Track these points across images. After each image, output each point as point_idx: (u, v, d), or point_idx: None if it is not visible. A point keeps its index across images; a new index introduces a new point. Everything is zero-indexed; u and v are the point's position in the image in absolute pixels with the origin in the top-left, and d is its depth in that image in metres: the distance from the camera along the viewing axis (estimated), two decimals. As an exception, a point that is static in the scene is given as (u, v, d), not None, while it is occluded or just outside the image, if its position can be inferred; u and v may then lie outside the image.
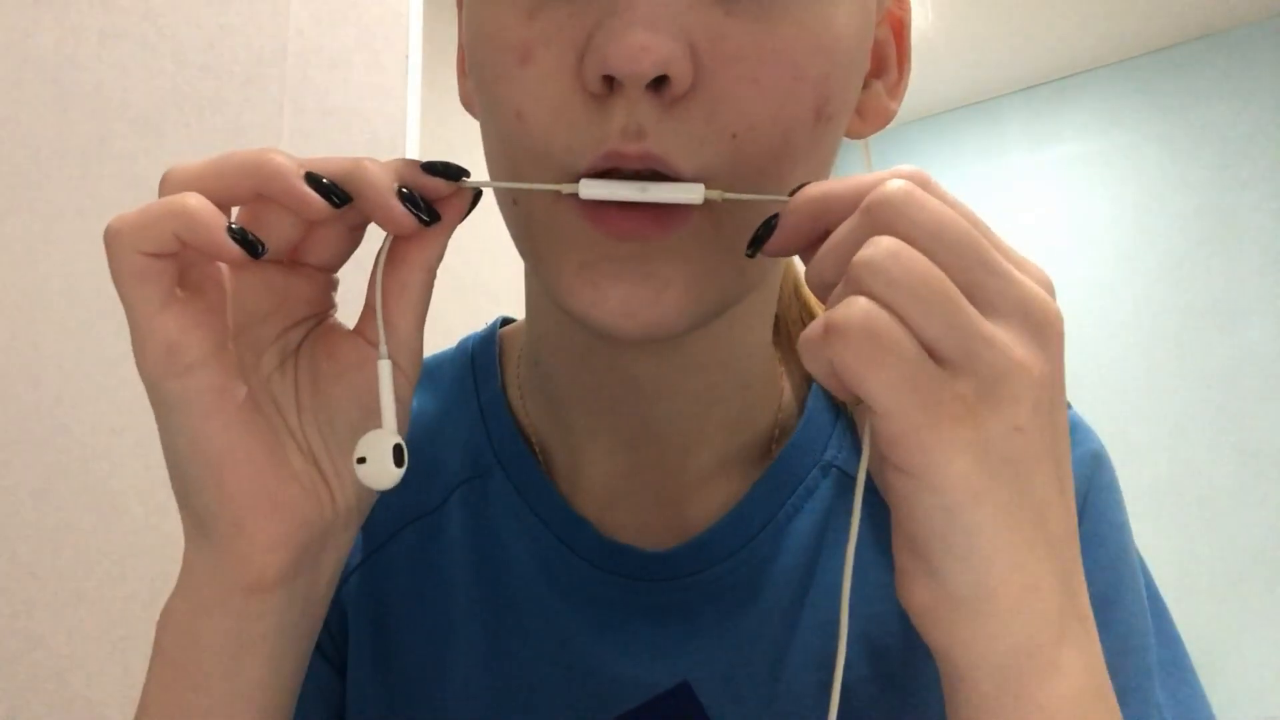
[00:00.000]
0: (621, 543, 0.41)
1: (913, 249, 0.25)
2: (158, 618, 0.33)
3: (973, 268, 0.26)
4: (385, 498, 0.44)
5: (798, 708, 0.39)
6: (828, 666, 0.39)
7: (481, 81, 0.34)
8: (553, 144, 0.31)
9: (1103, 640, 0.38)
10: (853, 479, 0.40)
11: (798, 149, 0.32)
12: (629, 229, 0.31)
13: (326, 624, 0.43)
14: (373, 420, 0.33)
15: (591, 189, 0.30)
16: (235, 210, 0.31)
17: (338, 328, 0.35)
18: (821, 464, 0.42)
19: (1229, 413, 2.77)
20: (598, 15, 0.30)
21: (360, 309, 0.34)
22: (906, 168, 0.28)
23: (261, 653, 0.32)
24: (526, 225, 0.35)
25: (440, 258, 0.33)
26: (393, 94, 1.56)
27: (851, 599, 0.40)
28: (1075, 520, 0.28)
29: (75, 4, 1.22)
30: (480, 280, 2.37)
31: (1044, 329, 0.27)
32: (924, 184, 0.27)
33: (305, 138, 1.47)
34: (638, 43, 0.28)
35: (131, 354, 0.29)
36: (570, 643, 0.40)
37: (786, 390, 0.44)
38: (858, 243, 0.27)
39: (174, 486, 0.31)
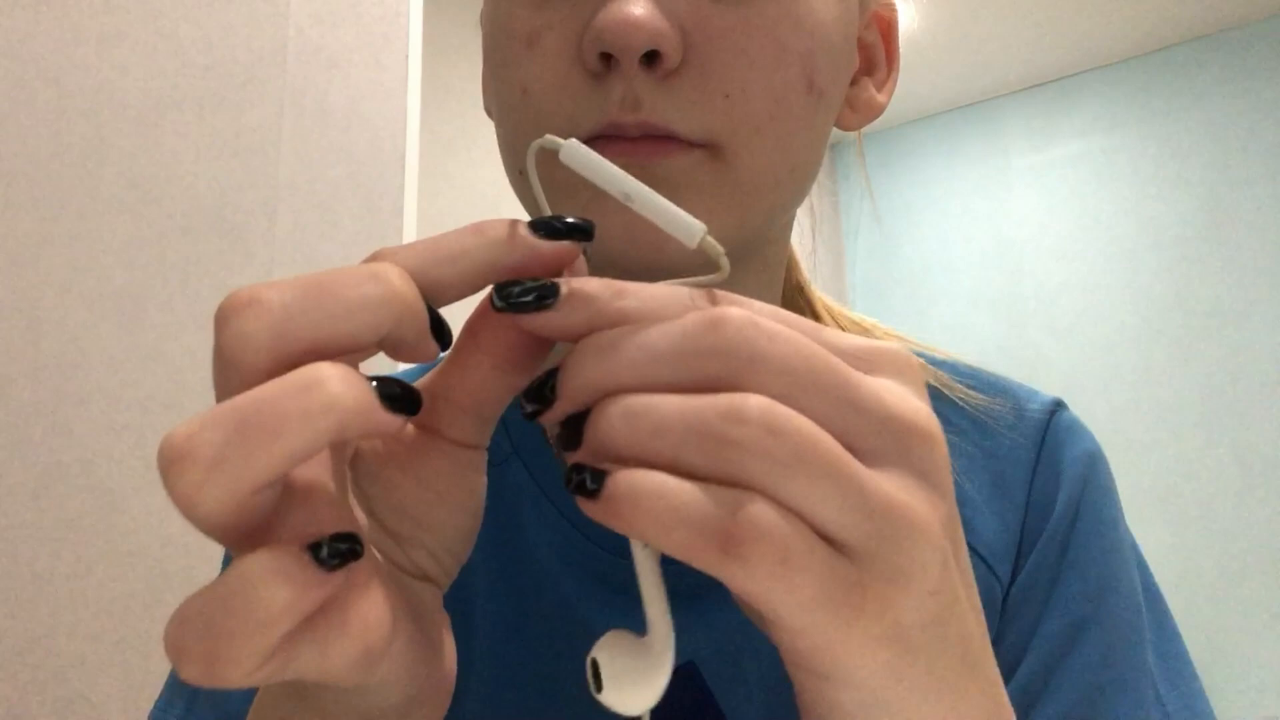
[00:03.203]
0: None
1: (785, 408, 0.20)
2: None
3: (841, 409, 0.21)
4: None
5: None
6: None
7: (494, 68, 0.37)
8: (554, 116, 0.34)
9: (1096, 634, 0.39)
10: None
11: (792, 114, 0.34)
12: (629, 150, 0.32)
13: None
14: (465, 515, 0.27)
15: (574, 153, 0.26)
16: None
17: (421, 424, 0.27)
18: None
19: (1229, 413, 2.77)
20: (597, 4, 0.32)
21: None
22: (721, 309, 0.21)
23: None
24: (532, 190, 0.36)
25: None
26: (393, 94, 1.57)
27: None
28: (984, 621, 0.26)
29: (75, 4, 1.22)
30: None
31: (929, 457, 0.22)
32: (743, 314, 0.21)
33: (305, 138, 1.47)
34: (629, 18, 0.30)
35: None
36: (584, 624, 0.41)
37: None
38: (686, 382, 0.21)
39: (335, 713, 0.26)
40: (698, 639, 0.40)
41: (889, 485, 0.21)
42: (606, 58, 0.32)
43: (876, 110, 0.42)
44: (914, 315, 3.43)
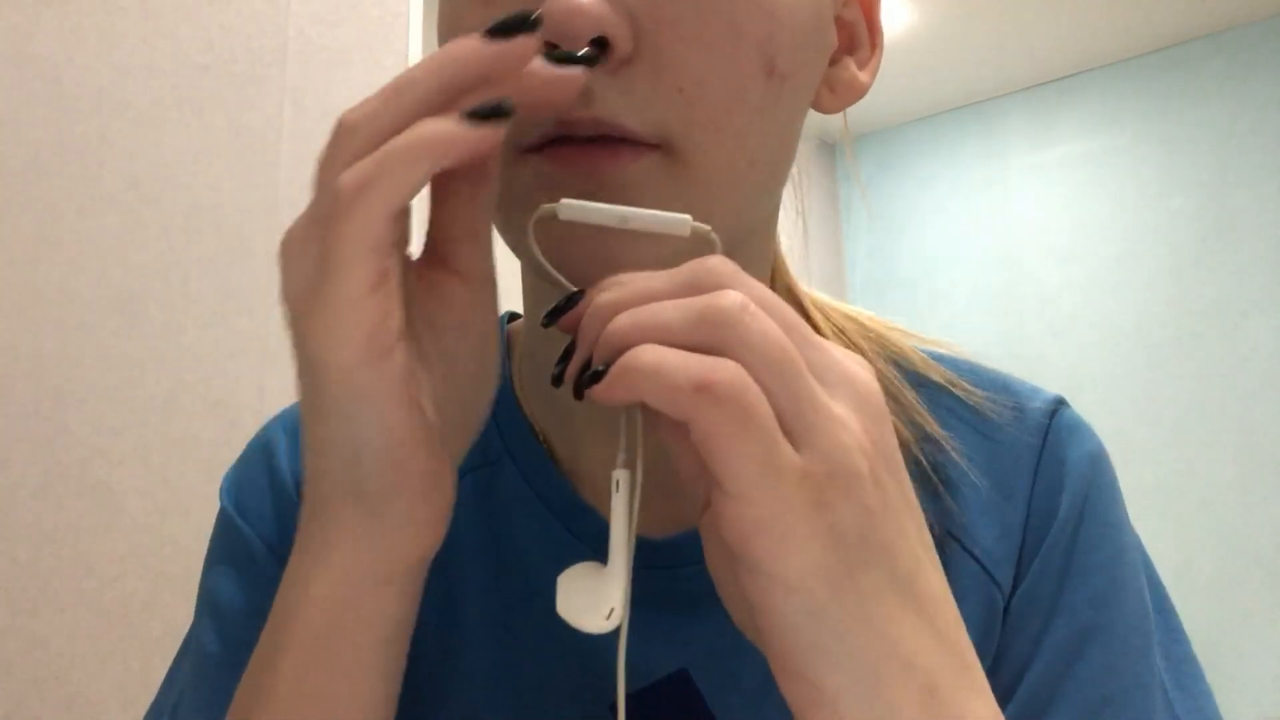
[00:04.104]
0: None
1: (758, 308, 0.25)
2: (286, 608, 0.30)
3: (798, 340, 0.26)
4: None
5: None
6: None
7: None
8: None
9: (1103, 642, 0.38)
10: None
11: (750, 105, 0.32)
12: (580, 158, 0.32)
13: None
14: (488, 372, 0.32)
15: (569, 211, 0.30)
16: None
17: (432, 267, 0.31)
18: None
19: (1229, 413, 2.77)
20: None
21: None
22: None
23: (405, 634, 0.32)
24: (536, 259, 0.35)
25: None
26: (393, 94, 1.56)
27: None
28: (942, 572, 0.28)
29: (75, 4, 1.22)
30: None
31: (871, 401, 0.26)
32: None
33: (305, 138, 1.47)
34: (571, 5, 0.29)
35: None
36: (574, 628, 0.41)
37: None
38: (668, 293, 0.26)
39: (333, 473, 0.29)
40: (691, 647, 0.40)
41: (830, 400, 0.26)
42: (554, 49, 0.30)
43: (859, 91, 0.40)
44: (914, 315, 3.42)
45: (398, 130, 0.26)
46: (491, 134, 0.27)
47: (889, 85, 3.15)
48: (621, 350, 0.25)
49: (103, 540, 1.17)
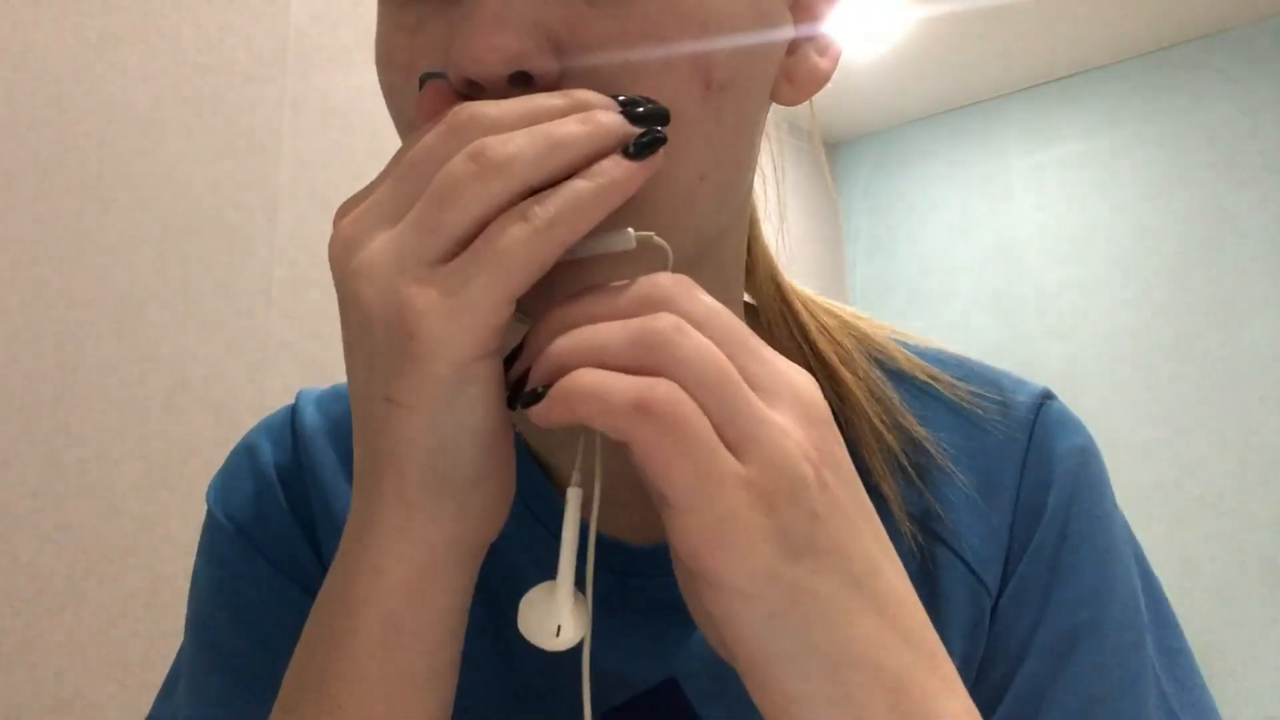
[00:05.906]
0: (611, 538, 0.41)
1: (692, 328, 0.26)
2: (353, 591, 0.30)
3: (740, 353, 0.27)
4: None
5: None
6: None
7: (385, 101, 0.35)
8: None
9: (1094, 641, 0.38)
10: None
11: (688, 122, 0.31)
12: None
13: None
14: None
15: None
16: None
17: None
18: None
19: (1229, 413, 2.77)
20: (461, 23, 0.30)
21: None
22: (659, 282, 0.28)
23: (467, 609, 0.32)
24: None
25: None
26: (393, 94, 1.56)
27: None
28: (903, 571, 0.28)
29: (75, 4, 1.22)
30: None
31: (813, 410, 0.27)
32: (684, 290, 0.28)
33: (305, 138, 1.47)
34: (483, 43, 0.28)
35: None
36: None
37: None
38: (612, 314, 0.27)
39: (413, 461, 0.29)
40: (679, 654, 0.40)
41: (771, 410, 0.26)
42: (475, 83, 0.29)
43: (820, 79, 0.38)
44: (914, 315, 3.42)
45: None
46: (652, 163, 0.28)
47: (889, 85, 3.15)
48: (561, 372, 0.26)
49: (103, 540, 1.17)
